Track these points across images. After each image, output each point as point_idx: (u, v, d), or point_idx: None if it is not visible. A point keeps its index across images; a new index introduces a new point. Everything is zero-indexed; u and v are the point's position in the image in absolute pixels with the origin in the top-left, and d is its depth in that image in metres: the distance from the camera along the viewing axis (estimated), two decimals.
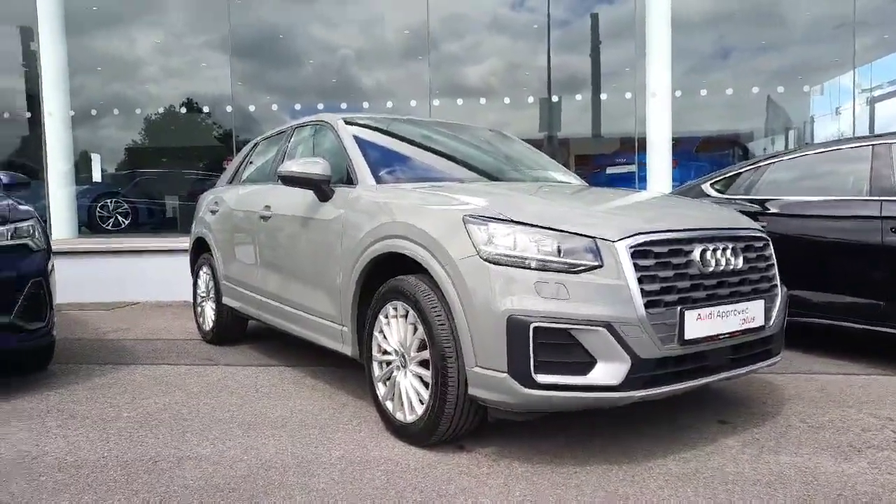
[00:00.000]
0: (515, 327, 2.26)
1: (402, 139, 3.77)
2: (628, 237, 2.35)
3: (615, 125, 10.01)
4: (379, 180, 3.16)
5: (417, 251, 2.59)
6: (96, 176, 11.04)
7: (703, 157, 10.07)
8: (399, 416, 2.70)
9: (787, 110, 10.36)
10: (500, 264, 2.33)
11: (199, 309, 5.00)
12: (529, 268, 2.31)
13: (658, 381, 2.37)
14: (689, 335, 2.39)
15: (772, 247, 2.88)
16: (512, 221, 2.39)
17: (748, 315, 2.60)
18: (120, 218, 11.81)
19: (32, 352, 3.71)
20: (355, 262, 2.94)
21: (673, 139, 8.26)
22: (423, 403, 2.58)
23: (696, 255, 2.48)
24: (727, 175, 4.98)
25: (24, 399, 3.40)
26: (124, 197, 11.72)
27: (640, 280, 2.32)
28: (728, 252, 2.58)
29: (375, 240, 2.83)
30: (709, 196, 4.89)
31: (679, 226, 2.52)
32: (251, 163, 4.73)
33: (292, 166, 3.25)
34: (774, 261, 2.85)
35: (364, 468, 2.43)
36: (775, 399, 3.26)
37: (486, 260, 2.35)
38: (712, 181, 5.05)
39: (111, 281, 7.30)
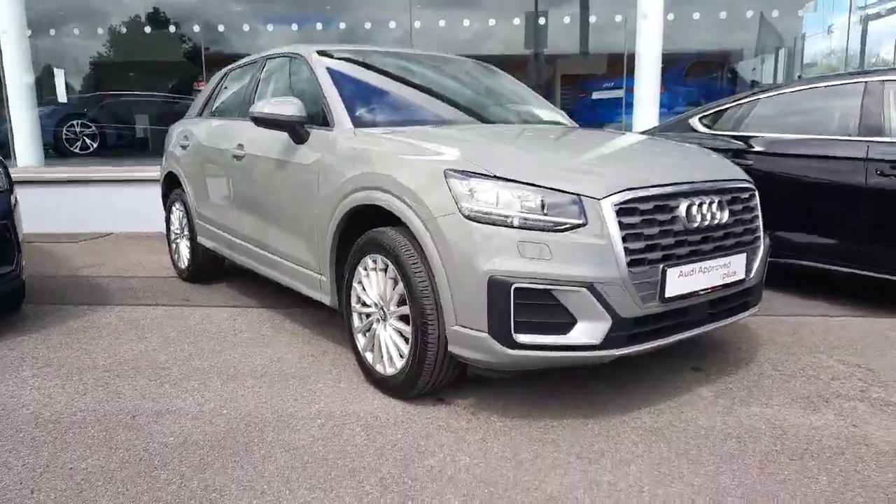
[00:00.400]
0: (496, 287, 2.23)
1: (381, 74, 3.59)
2: (614, 194, 2.29)
3: (603, 46, 9.73)
4: (357, 123, 3.03)
5: (397, 204, 2.52)
6: (61, 95, 10.56)
7: (691, 81, 9.84)
8: (379, 368, 2.70)
9: (778, 29, 10.11)
10: (482, 222, 2.27)
11: (173, 246, 4.91)
12: (512, 226, 2.26)
13: (637, 339, 2.38)
14: (669, 293, 2.38)
15: (757, 197, 2.84)
16: (495, 177, 2.31)
17: (730, 269, 2.60)
18: (88, 141, 11.44)
19: (3, 296, 3.63)
20: (333, 211, 2.86)
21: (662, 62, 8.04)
22: (402, 357, 2.58)
23: (682, 210, 2.43)
24: (715, 109, 4.88)
25: None
26: (92, 119, 11.30)
27: (624, 238, 2.28)
28: (714, 206, 2.54)
29: (353, 189, 2.74)
30: (697, 131, 4.80)
31: (665, 180, 2.46)
32: (222, 93, 4.52)
33: (264, 107, 3.10)
34: (759, 212, 2.82)
35: (344, 423, 2.44)
36: (750, 344, 3.31)
37: (467, 217, 2.29)
38: (700, 115, 4.95)
39: (81, 211, 7.12)
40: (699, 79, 10.04)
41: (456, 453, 2.22)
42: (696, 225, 2.47)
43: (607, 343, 2.30)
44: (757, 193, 2.84)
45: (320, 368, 3.00)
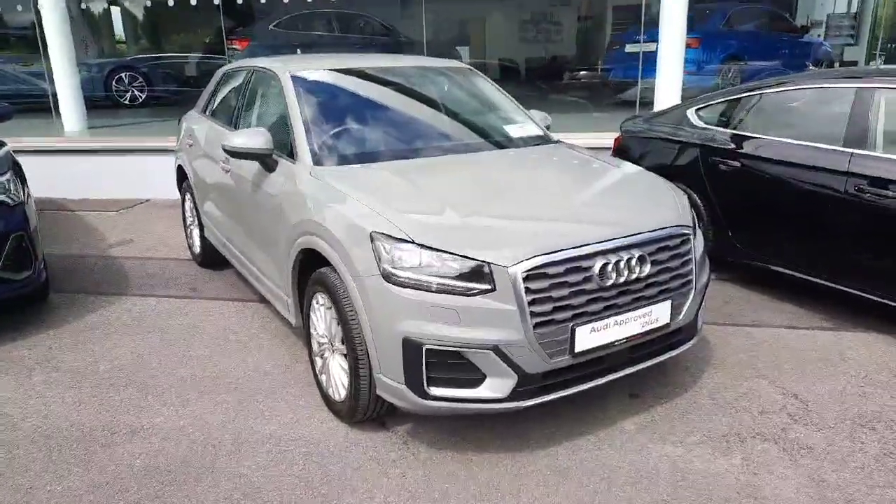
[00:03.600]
0: (410, 347, 2.45)
1: (353, 97, 3.71)
2: (522, 262, 2.43)
3: None
4: (317, 160, 3.20)
5: (332, 255, 2.73)
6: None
7: (733, 32, 9.29)
8: (330, 392, 3.00)
9: None
10: (401, 285, 2.47)
11: (188, 230, 5.28)
12: (427, 289, 2.44)
13: (547, 390, 2.57)
14: (580, 348, 2.54)
15: (693, 240, 2.89)
16: (415, 243, 2.48)
17: (651, 318, 2.72)
18: (136, 92, 11.93)
19: (27, 295, 4.06)
20: (291, 245, 3.09)
21: (694, 10, 7.57)
22: (345, 388, 2.86)
23: (597, 269, 2.55)
24: (712, 102, 4.77)
25: (18, 343, 3.81)
26: (141, 73, 11.72)
27: (531, 302, 2.44)
28: (633, 261, 2.63)
29: (301, 232, 2.96)
30: (693, 125, 4.73)
31: (582, 239, 2.56)
32: (220, 93, 4.73)
33: (235, 139, 3.30)
34: (693, 254, 2.89)
35: (288, 450, 2.76)
36: (699, 366, 3.43)
37: (387, 279, 2.49)
38: (697, 107, 4.85)
39: (121, 177, 7.58)
40: (743, 29, 9.50)
41: (374, 489, 2.52)
42: (610, 282, 2.58)
43: (514, 396, 2.50)
44: (692, 237, 2.89)
45: (288, 381, 3.32)
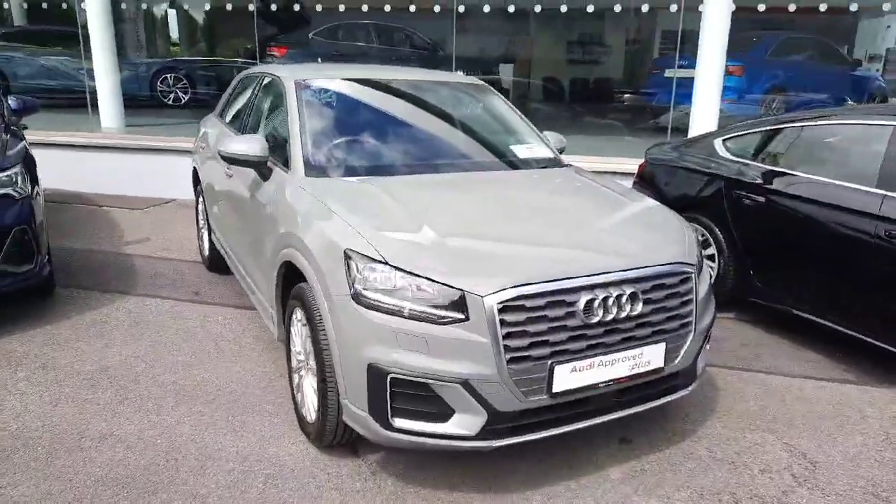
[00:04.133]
0: (375, 375, 2.31)
1: (355, 109, 3.63)
2: (498, 292, 2.28)
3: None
4: (308, 171, 3.11)
5: (307, 270, 2.62)
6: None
7: (778, 62, 8.96)
8: (304, 412, 2.88)
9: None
10: (370, 308, 2.34)
11: (199, 232, 5.26)
12: (397, 314, 2.31)
13: (521, 431, 2.40)
14: (559, 388, 2.37)
15: (694, 280, 2.69)
16: (388, 265, 2.36)
17: (642, 360, 2.52)
18: (180, 94, 12.18)
19: (31, 288, 4.08)
20: (275, 258, 3.00)
21: (739, 38, 7.29)
22: (315, 410, 2.73)
23: (581, 305, 2.38)
24: (739, 133, 4.54)
25: (14, 336, 3.81)
26: (184, 74, 11.97)
27: (506, 336, 2.28)
28: (623, 298, 2.45)
29: (285, 244, 2.86)
30: (719, 156, 4.51)
31: (566, 272, 2.39)
32: (236, 98, 4.70)
33: (230, 145, 3.25)
34: (693, 295, 2.68)
35: (251, 471, 2.65)
36: (703, 412, 3.21)
37: (357, 301, 2.36)
38: (724, 137, 4.63)
39: (153, 176, 7.68)
40: (790, 59, 9.14)
41: None
42: (596, 320, 2.40)
43: (484, 435, 2.34)
44: (693, 276, 2.69)
45: (267, 397, 3.22)
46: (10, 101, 4.99)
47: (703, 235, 4.47)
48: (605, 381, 2.46)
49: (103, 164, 7.81)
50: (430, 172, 3.26)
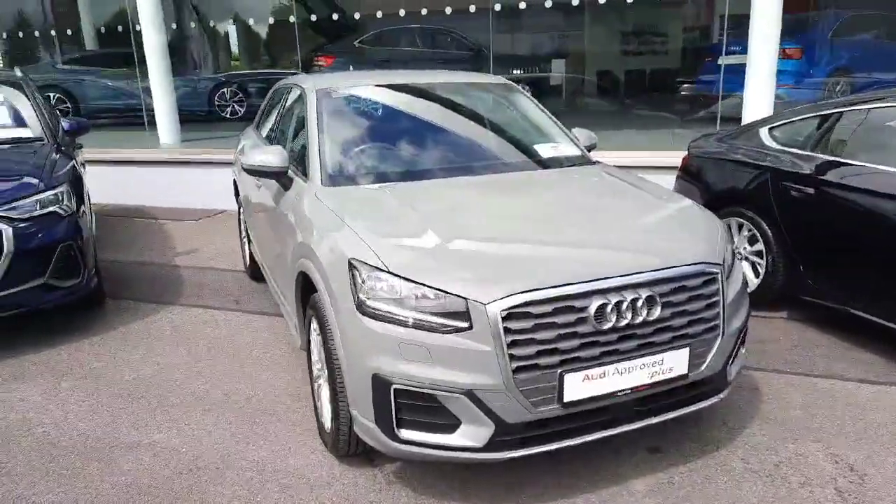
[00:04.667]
0: (379, 386, 2.28)
1: (376, 116, 3.61)
2: (501, 299, 2.20)
3: None
4: (326, 179, 3.11)
5: (318, 280, 2.61)
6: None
7: (841, 43, 8.40)
8: (322, 420, 2.87)
9: None
10: (374, 318, 2.30)
11: (242, 242, 5.38)
12: (400, 324, 2.27)
13: (532, 442, 2.31)
14: (570, 397, 2.27)
15: (720, 280, 2.52)
16: (390, 273, 2.32)
17: (663, 367, 2.39)
18: (236, 107, 12.57)
19: (79, 300, 4.25)
20: (294, 267, 3.01)
21: (797, 18, 6.89)
22: (331, 420, 2.72)
23: (592, 310, 2.27)
24: (787, 121, 4.28)
25: (62, 347, 3.98)
26: (240, 88, 12.37)
27: (511, 344, 2.20)
28: (640, 302, 2.32)
29: (301, 255, 2.87)
30: (765, 145, 4.26)
31: (575, 277, 2.29)
32: (268, 110, 4.78)
33: (251, 156, 3.29)
34: (720, 297, 2.51)
35: (268, 480, 2.66)
36: (741, 420, 3.02)
37: (361, 311, 2.33)
38: (771, 126, 4.37)
39: (207, 188, 7.94)
40: (855, 38, 8.56)
41: None
42: (609, 326, 2.29)
43: (492, 447, 2.27)
44: (719, 276, 2.52)
45: (293, 405, 3.24)
46: (63, 123, 5.24)
47: (749, 231, 4.24)
48: (622, 390, 2.34)
49: (160, 178, 8.13)
50: (450, 176, 3.20)
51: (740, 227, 4.31)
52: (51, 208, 4.00)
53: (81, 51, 13.71)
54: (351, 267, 2.40)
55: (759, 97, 6.51)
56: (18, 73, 5.43)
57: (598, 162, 3.60)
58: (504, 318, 2.19)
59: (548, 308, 2.23)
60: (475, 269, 2.32)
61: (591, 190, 3.14)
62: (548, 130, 3.76)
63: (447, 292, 2.24)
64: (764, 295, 4.17)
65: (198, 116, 11.54)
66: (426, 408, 2.26)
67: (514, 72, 11.48)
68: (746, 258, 4.30)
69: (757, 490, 2.54)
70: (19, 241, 3.78)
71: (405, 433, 2.30)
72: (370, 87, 3.75)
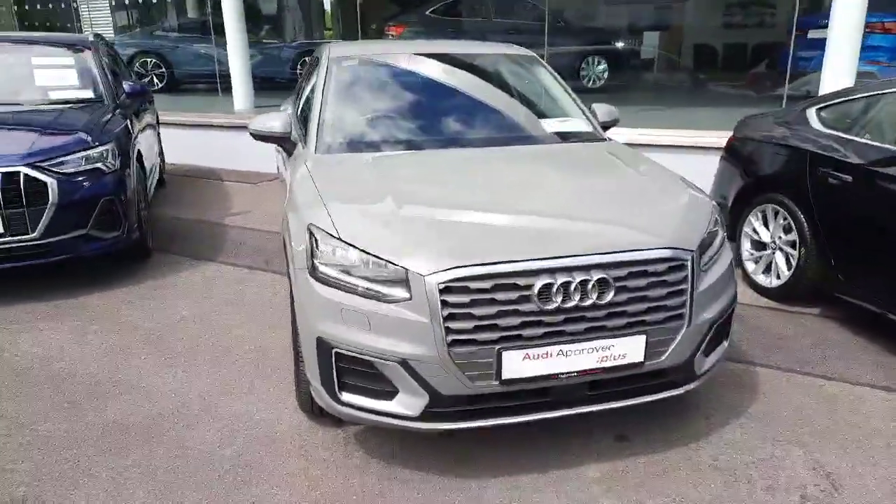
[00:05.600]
0: (322, 348, 2.35)
1: (385, 84, 3.62)
2: (440, 272, 2.19)
3: None
4: (320, 146, 3.18)
5: (288, 246, 2.70)
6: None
7: None
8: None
9: None
10: (323, 283, 2.36)
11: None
12: (346, 290, 2.31)
13: (470, 416, 2.31)
14: (509, 375, 2.24)
15: (689, 268, 2.39)
16: (340, 240, 2.36)
17: (614, 352, 2.31)
18: None
19: (122, 251, 4.58)
20: (283, 230, 3.12)
21: None
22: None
23: (536, 289, 2.22)
24: (837, 101, 3.93)
25: (95, 294, 4.31)
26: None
27: (449, 317, 2.19)
28: (590, 285, 2.25)
29: (283, 219, 2.96)
30: (809, 127, 3.95)
31: (520, 254, 2.24)
32: (305, 79, 4.89)
33: (255, 121, 3.41)
34: (688, 284, 2.38)
35: (238, 430, 2.81)
36: (725, 414, 2.88)
37: (312, 275, 2.40)
38: (819, 106, 4.03)
39: (268, 152, 8.25)
40: None
41: (282, 486, 2.46)
42: (553, 306, 2.23)
43: (427, 417, 2.29)
44: (690, 263, 2.39)
45: (284, 364, 3.35)
46: (125, 86, 5.60)
47: (784, 219, 3.96)
48: (566, 372, 2.29)
49: (230, 142, 8.51)
50: (441, 148, 3.19)
51: (776, 214, 4.03)
52: (95, 165, 4.31)
53: (182, 18, 14.52)
54: (309, 233, 2.46)
55: (838, 73, 5.96)
56: (91, 37, 5.82)
57: (609, 139, 3.47)
58: (442, 291, 2.19)
59: (487, 284, 2.21)
60: (422, 242, 2.32)
61: (576, 166, 3.04)
62: (561, 104, 3.65)
63: (391, 262, 2.26)
64: (795, 289, 3.90)
65: (279, 84, 11.93)
66: (365, 373, 2.31)
67: (599, 44, 11.03)
68: (781, 249, 4.02)
69: (713, 488, 2.42)
70: (63, 193, 4.10)
71: (347, 396, 2.36)
72: (385, 55, 3.76)
